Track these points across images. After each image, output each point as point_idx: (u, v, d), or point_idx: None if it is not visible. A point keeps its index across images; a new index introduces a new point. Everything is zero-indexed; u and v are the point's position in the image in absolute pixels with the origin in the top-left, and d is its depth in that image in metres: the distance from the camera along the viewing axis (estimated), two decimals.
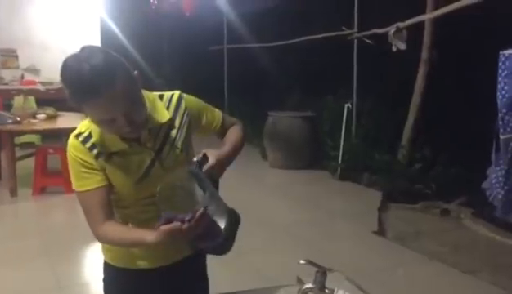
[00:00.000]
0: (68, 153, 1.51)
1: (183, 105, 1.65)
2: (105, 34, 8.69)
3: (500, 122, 2.41)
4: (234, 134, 1.75)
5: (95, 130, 1.50)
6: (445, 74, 6.58)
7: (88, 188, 1.48)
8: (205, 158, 1.47)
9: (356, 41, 6.63)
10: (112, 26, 8.55)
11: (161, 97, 1.64)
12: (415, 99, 6.19)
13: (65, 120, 6.04)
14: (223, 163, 1.53)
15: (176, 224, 1.31)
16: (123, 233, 1.50)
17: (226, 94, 9.93)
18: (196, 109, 1.69)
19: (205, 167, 1.45)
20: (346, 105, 6.52)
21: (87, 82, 1.31)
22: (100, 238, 1.53)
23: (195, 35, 9.75)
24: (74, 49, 1.40)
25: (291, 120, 7.00)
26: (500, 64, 2.38)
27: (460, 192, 5.34)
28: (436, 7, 5.61)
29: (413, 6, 5.96)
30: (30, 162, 6.09)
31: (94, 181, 1.48)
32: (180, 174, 1.47)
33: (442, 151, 5.81)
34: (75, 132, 1.52)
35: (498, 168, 2.45)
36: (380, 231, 4.67)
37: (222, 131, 1.77)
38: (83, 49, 1.38)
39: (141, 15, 8.99)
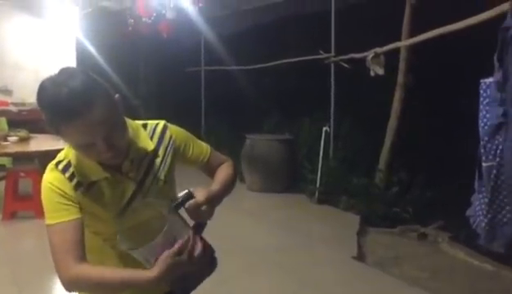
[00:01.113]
0: (44, 183, 1.43)
1: (168, 135, 1.60)
2: (81, 54, 8.58)
3: (482, 150, 2.42)
4: (224, 172, 1.68)
5: (74, 158, 1.43)
6: (422, 98, 6.69)
7: (64, 219, 1.38)
8: (189, 195, 1.40)
9: (333, 64, 6.68)
10: (88, 46, 8.45)
11: (145, 126, 1.58)
12: (392, 122, 6.25)
13: (37, 142, 5.89)
14: (213, 202, 1.46)
15: (176, 248, 1.28)
16: (107, 273, 1.37)
17: (203, 116, 9.88)
18: (182, 141, 1.64)
19: (188, 205, 1.38)
20: (324, 128, 6.54)
21: (65, 105, 1.25)
22: (70, 281, 1.37)
23: (173, 56, 9.72)
24: (49, 69, 1.34)
25: (269, 143, 6.98)
26: (481, 92, 2.40)
27: (437, 215, 5.38)
28: (411, 35, 5.72)
29: (389, 31, 6.06)
30: (0, 186, 5.89)
31: (70, 213, 1.39)
32: (157, 202, 1.42)
33: (418, 174, 5.87)
34: (54, 161, 1.45)
35: (481, 196, 2.46)
36: (360, 256, 4.64)
37: (210, 168, 1.71)
38: (62, 71, 1.33)
39: (118, 36, 8.91)
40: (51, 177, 1.42)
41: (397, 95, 6.17)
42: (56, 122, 1.29)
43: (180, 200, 1.37)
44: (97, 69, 8.32)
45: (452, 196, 5.62)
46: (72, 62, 7.85)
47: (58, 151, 1.49)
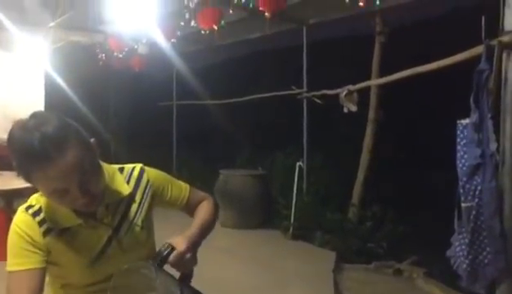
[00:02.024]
0: (12, 226, 1.36)
1: (145, 179, 1.56)
2: (50, 89, 8.43)
3: (461, 191, 2.44)
4: (203, 211, 1.64)
5: (46, 204, 1.37)
6: (394, 133, 6.82)
7: (24, 267, 1.31)
8: (170, 248, 1.33)
9: (305, 99, 6.74)
10: (57, 80, 8.31)
11: (121, 170, 1.54)
12: (364, 157, 6.33)
13: (3, 180, 5.68)
14: (195, 248, 1.41)
15: None
16: None
17: (175, 150, 9.78)
18: (160, 184, 1.60)
19: (172, 258, 1.32)
20: (298, 163, 6.55)
21: (36, 150, 1.20)
22: None
23: (144, 90, 9.67)
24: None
25: (243, 178, 6.94)
26: (458, 132, 2.43)
27: (411, 249, 5.41)
28: (382, 71, 5.87)
29: (361, 67, 6.20)
30: None
31: (31, 261, 1.32)
32: (139, 264, 1.34)
33: (391, 208, 5.92)
34: (25, 205, 1.40)
35: (461, 236, 2.47)
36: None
37: (190, 208, 1.66)
38: (33, 115, 1.29)
39: (89, 70, 8.83)
40: (20, 220, 1.36)
41: (369, 130, 6.27)
42: (27, 168, 1.24)
43: (163, 256, 1.31)
44: (67, 104, 8.19)
45: (425, 228, 5.71)
46: (41, 97, 7.68)
47: (25, 189, 1.44)
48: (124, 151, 9.18)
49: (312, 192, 6.63)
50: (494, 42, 2.32)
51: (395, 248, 5.53)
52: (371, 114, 6.23)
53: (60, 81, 8.37)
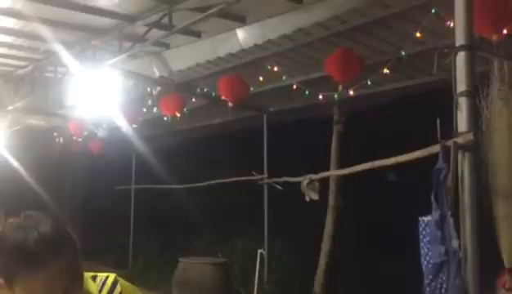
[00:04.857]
0: None
1: (118, 290, 1.50)
2: (3, 168, 8.18)
3: (428, 289, 2.45)
4: None
5: None
6: (354, 217, 6.90)
7: None
8: None
9: (266, 185, 6.78)
10: (12, 163, 8.11)
11: (94, 278, 1.48)
12: (325, 244, 6.32)
13: None
14: None
15: None
16: None
17: (132, 236, 9.48)
18: None
19: None
20: (259, 251, 6.45)
21: (31, 250, 1.16)
22: None
23: (102, 174, 9.50)
24: None
25: (202, 267, 6.72)
26: (420, 229, 2.49)
27: None
28: (340, 160, 6.03)
29: (321, 154, 6.35)
30: None
31: None
32: None
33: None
34: None
35: None
36: None
37: None
38: (29, 216, 1.24)
39: (45, 153, 8.67)
40: None
41: (329, 216, 6.31)
42: (14, 270, 1.18)
43: None
44: (19, 183, 7.94)
45: None
46: None
47: None
48: (78, 236, 8.82)
49: (273, 280, 6.49)
50: (449, 143, 2.45)
51: None
52: (331, 200, 6.29)
53: (13, 160, 8.18)
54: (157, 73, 6.07)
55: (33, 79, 6.76)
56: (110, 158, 8.87)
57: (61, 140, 8.17)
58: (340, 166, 5.96)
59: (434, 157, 2.68)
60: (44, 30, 4.99)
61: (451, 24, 2.89)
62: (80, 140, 7.85)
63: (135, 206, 9.63)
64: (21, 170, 8.08)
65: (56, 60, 6.02)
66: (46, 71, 6.90)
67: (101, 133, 7.62)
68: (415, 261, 2.74)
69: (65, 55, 5.49)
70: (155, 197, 9.11)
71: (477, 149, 2.47)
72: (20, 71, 6.80)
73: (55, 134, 8.16)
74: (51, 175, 9.15)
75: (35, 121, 7.71)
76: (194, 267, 6.73)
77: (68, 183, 10.34)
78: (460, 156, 2.44)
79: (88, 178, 9.96)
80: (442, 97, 2.74)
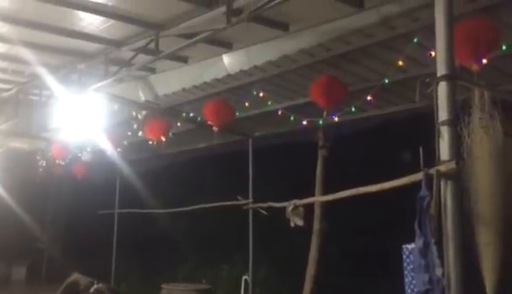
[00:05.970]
0: None
1: None
2: None
3: None
4: None
5: None
6: (338, 242, 6.88)
7: None
8: None
9: (251, 210, 6.74)
10: None
11: None
12: (310, 269, 6.29)
13: None
14: None
15: None
16: None
17: (114, 261, 9.32)
18: None
19: None
20: (244, 277, 6.38)
21: None
22: None
23: (85, 198, 9.39)
24: None
25: (186, 293, 6.65)
26: (404, 257, 2.49)
27: None
28: (325, 184, 6.05)
29: (306, 178, 6.36)
30: None
31: None
32: None
33: None
34: None
35: None
36: None
37: None
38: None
39: (28, 176, 8.55)
40: None
41: (314, 241, 6.29)
42: None
43: None
44: (2, 210, 7.79)
45: None
46: None
47: None
48: (59, 261, 8.65)
49: None
50: (432, 171, 2.48)
51: None
52: (316, 225, 6.29)
53: None
54: (143, 98, 6.05)
55: (18, 102, 6.69)
56: (93, 181, 8.77)
57: (44, 164, 8.06)
58: (325, 190, 5.98)
59: (417, 183, 2.70)
60: (29, 54, 4.97)
61: (433, 54, 2.94)
62: (63, 163, 7.75)
63: (118, 230, 9.48)
64: (3, 192, 7.93)
65: (40, 83, 5.99)
66: (30, 94, 6.85)
67: (86, 157, 7.54)
68: (400, 287, 2.74)
69: (50, 79, 5.46)
70: (139, 221, 9.00)
71: (459, 177, 2.49)
72: (4, 94, 6.74)
73: (37, 157, 8.05)
74: (33, 199, 9.01)
75: (18, 144, 7.61)
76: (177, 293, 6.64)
77: (50, 206, 10.17)
78: (442, 184, 2.47)
79: (71, 202, 9.81)
80: (425, 122, 2.77)
